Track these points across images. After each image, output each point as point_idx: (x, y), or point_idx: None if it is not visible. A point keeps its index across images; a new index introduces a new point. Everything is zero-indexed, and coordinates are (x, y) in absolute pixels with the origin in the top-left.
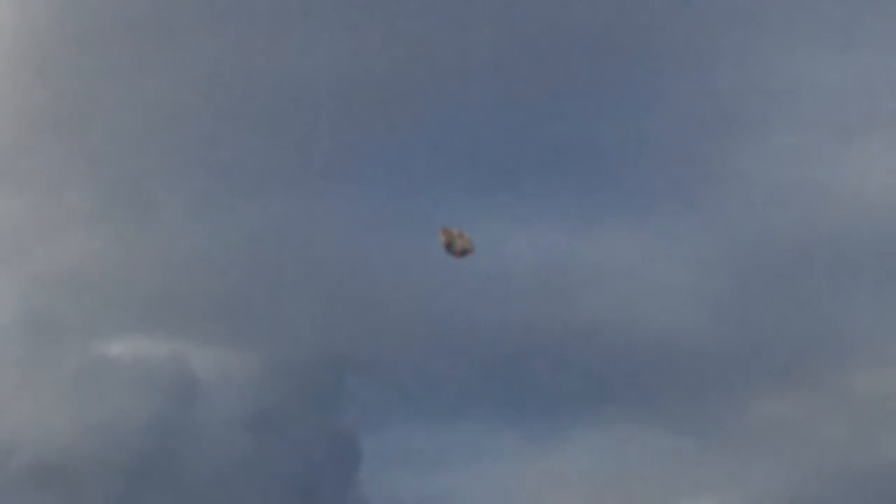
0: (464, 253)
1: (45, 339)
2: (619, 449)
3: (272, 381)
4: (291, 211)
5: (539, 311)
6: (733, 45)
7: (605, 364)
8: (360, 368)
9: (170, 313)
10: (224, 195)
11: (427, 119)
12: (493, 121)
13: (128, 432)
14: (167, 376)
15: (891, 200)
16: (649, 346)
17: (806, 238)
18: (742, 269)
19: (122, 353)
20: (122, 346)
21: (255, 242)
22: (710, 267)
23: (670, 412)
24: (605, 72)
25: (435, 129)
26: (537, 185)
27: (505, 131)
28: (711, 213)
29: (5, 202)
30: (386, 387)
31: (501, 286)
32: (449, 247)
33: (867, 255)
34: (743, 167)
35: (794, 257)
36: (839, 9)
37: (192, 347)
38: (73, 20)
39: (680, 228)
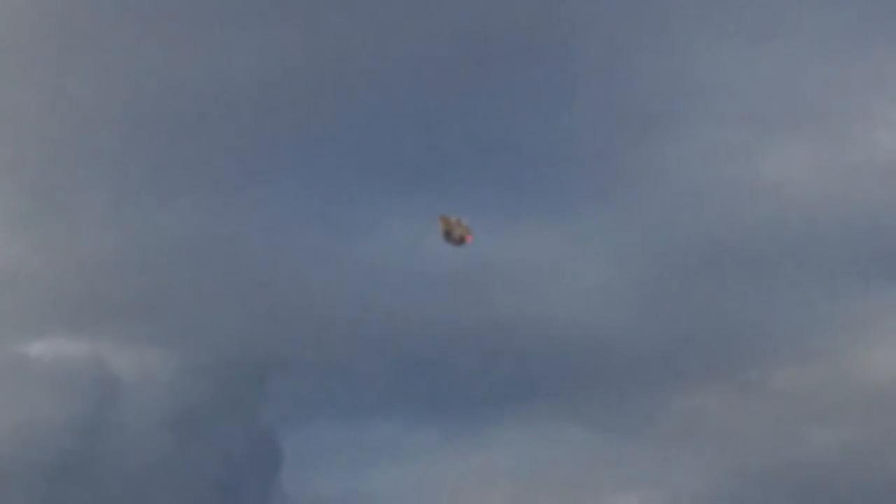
0: (462, 241)
1: None
2: (541, 446)
3: (193, 380)
4: (211, 211)
5: (459, 308)
6: (650, 41)
7: (526, 361)
8: (281, 368)
9: (90, 314)
10: (143, 196)
11: (345, 119)
12: (411, 120)
13: (48, 432)
14: (87, 376)
15: (809, 196)
16: (570, 343)
17: (725, 234)
18: (662, 266)
19: (42, 353)
20: (42, 347)
21: (175, 243)
22: (630, 263)
23: (592, 409)
24: (521, 69)
25: (354, 129)
26: (455, 183)
27: (423, 130)
28: (630, 210)
29: None
30: (307, 386)
31: (421, 284)
32: (448, 235)
33: (786, 251)
34: (661, 164)
35: (713, 253)
36: (756, 4)
37: (112, 347)
38: None
39: (599, 225)
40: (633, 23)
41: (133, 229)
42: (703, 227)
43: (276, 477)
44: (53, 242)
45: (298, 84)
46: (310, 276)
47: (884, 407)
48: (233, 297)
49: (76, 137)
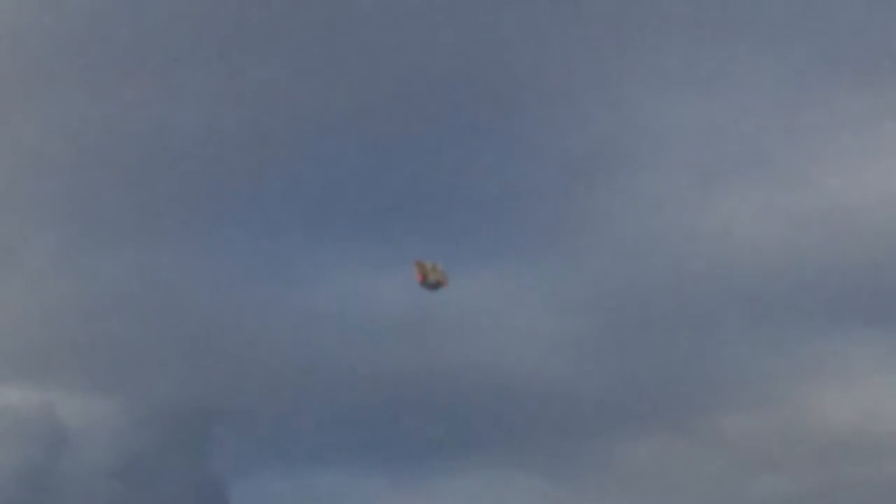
0: (437, 286)
1: None
2: (488, 493)
3: (140, 430)
4: (157, 260)
5: (405, 357)
6: (596, 90)
7: (472, 409)
8: (228, 417)
9: (37, 363)
10: (89, 245)
11: (291, 169)
12: (357, 169)
13: None
14: (35, 426)
15: (756, 243)
16: (517, 392)
17: (672, 282)
18: (609, 314)
19: None
20: None
21: (121, 292)
22: (577, 312)
23: (538, 457)
24: (469, 118)
25: (300, 179)
26: (402, 232)
27: (368, 179)
28: (577, 259)
29: None
30: (254, 435)
31: (367, 333)
32: (423, 280)
33: (733, 299)
34: (608, 212)
35: (660, 301)
36: (702, 53)
37: (59, 397)
38: None
39: (546, 274)
40: (579, 72)
41: (80, 279)
42: (650, 275)
43: None
44: None
45: (245, 134)
46: (256, 325)
47: (830, 455)
48: (180, 347)
49: (24, 185)
